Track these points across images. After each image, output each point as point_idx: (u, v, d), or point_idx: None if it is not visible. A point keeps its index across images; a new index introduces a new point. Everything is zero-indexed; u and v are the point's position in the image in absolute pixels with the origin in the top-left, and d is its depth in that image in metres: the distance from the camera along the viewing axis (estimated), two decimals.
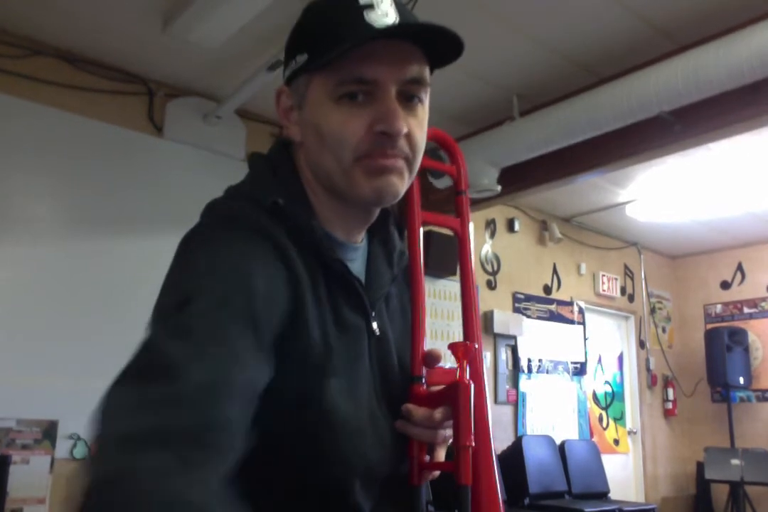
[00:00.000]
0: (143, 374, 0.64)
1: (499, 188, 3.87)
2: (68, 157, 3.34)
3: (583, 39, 3.24)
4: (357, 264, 0.91)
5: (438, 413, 0.83)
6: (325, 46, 0.78)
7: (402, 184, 0.83)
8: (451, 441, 0.84)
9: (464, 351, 0.85)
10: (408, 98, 0.82)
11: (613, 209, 5.68)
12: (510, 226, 5.51)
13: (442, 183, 4.09)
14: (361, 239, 0.92)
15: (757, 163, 4.64)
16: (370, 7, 0.79)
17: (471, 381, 0.81)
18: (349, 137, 0.79)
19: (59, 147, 3.32)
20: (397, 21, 0.80)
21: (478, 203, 4.24)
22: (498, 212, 5.38)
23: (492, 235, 5.38)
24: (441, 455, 0.93)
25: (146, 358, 0.66)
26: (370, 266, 0.93)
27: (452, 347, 0.86)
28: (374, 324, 0.89)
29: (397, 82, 0.80)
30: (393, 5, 0.81)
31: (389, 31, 0.78)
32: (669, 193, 5.26)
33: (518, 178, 3.97)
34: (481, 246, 5.27)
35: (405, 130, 0.80)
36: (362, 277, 0.91)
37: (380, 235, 0.95)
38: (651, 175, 4.88)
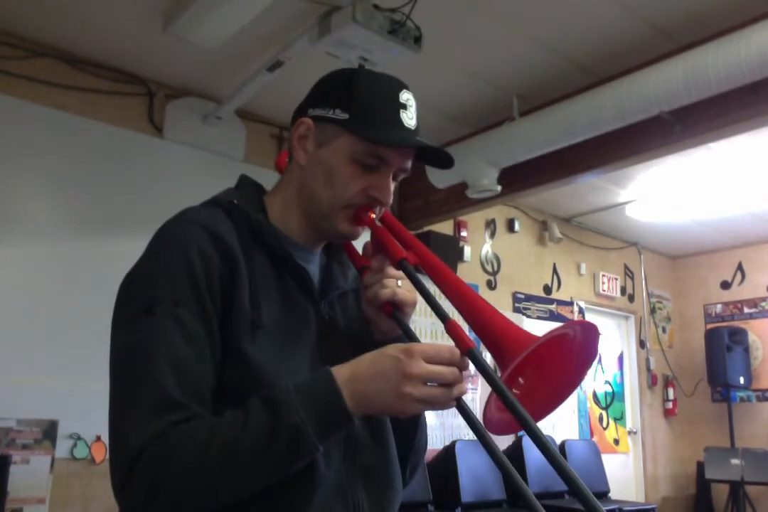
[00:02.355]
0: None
1: (499, 188, 3.87)
2: (68, 158, 3.34)
3: (582, 39, 3.24)
4: (313, 267, 1.10)
5: (366, 247, 1.08)
6: (367, 122, 1.01)
7: (361, 231, 1.08)
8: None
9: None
10: (395, 177, 1.07)
11: (613, 209, 5.68)
12: (510, 226, 5.51)
13: (442, 183, 4.10)
14: (317, 249, 1.13)
15: (757, 163, 4.63)
16: (404, 107, 1.04)
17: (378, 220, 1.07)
18: (350, 190, 1.03)
19: (59, 148, 3.32)
20: (415, 123, 1.05)
21: (478, 203, 4.24)
22: (498, 212, 5.38)
23: (492, 235, 5.38)
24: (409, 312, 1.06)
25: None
26: (325, 270, 1.13)
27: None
28: (323, 310, 1.06)
29: (397, 167, 1.05)
30: (415, 109, 1.07)
31: (418, 146, 1.04)
32: (669, 193, 5.26)
33: (518, 178, 3.97)
34: (481, 246, 5.27)
35: (390, 202, 1.07)
36: (317, 277, 1.10)
37: (337, 258, 1.16)
38: (651, 175, 4.88)
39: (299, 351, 1.00)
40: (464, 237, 5.08)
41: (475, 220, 5.19)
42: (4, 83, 3.21)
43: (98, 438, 3.17)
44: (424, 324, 4.64)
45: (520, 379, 0.93)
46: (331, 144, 1.03)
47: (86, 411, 3.13)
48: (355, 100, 1.02)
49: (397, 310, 1.02)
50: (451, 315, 0.94)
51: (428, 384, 0.85)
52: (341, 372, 0.88)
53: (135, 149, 3.56)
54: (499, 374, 0.86)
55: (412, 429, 1.12)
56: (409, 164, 1.07)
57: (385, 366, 0.86)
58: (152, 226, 1.07)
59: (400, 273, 1.04)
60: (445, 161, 1.08)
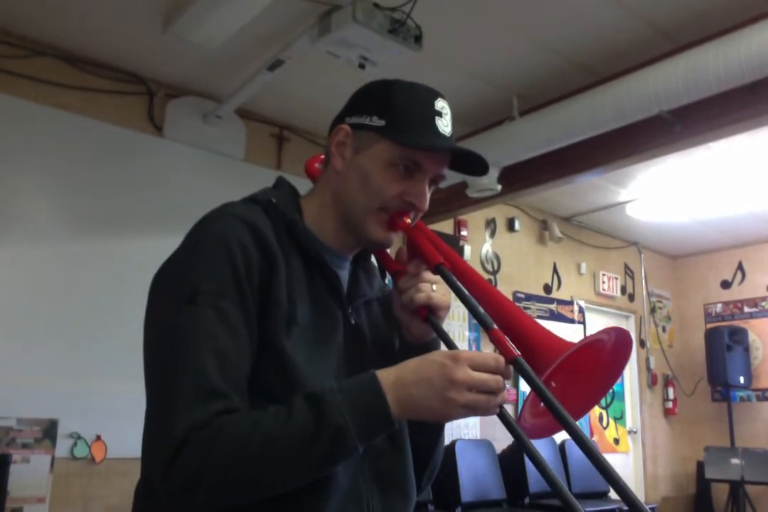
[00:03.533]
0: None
1: (499, 187, 3.87)
2: (68, 157, 3.34)
3: (583, 39, 3.24)
4: (344, 273, 1.11)
5: (401, 252, 1.09)
6: (403, 128, 1.03)
7: (395, 239, 1.09)
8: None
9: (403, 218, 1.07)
10: (431, 183, 1.08)
11: (614, 208, 5.68)
12: (510, 226, 5.51)
13: (442, 182, 4.09)
14: (349, 256, 1.13)
15: (757, 163, 4.63)
16: (440, 114, 1.05)
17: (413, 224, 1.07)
18: (386, 193, 1.03)
19: (59, 147, 3.32)
20: (450, 130, 1.07)
21: (478, 203, 4.24)
22: (498, 211, 5.38)
23: (492, 235, 5.38)
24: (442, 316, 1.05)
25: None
26: (353, 277, 1.13)
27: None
28: (350, 315, 1.07)
29: (433, 173, 1.06)
30: (450, 117, 1.08)
31: (454, 149, 1.06)
32: (669, 193, 5.26)
33: (518, 178, 3.97)
34: (481, 245, 5.27)
35: (426, 208, 1.07)
36: (346, 283, 1.11)
37: (363, 264, 1.17)
38: (651, 175, 4.88)
39: (328, 352, 1.01)
40: (464, 236, 5.08)
41: (475, 219, 5.19)
42: (5, 82, 3.21)
43: (98, 438, 3.17)
44: None
45: (553, 383, 0.95)
46: (368, 150, 1.05)
47: (86, 411, 3.13)
48: (392, 108, 1.04)
49: (431, 314, 1.02)
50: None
51: (472, 391, 0.86)
52: (386, 375, 0.88)
53: (135, 148, 3.56)
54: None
55: (434, 438, 1.14)
56: (445, 170, 1.08)
57: (431, 372, 0.87)
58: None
59: (435, 277, 1.04)
60: (478, 168, 1.10)
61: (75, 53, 3.43)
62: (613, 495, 5.16)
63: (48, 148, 3.29)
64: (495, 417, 0.89)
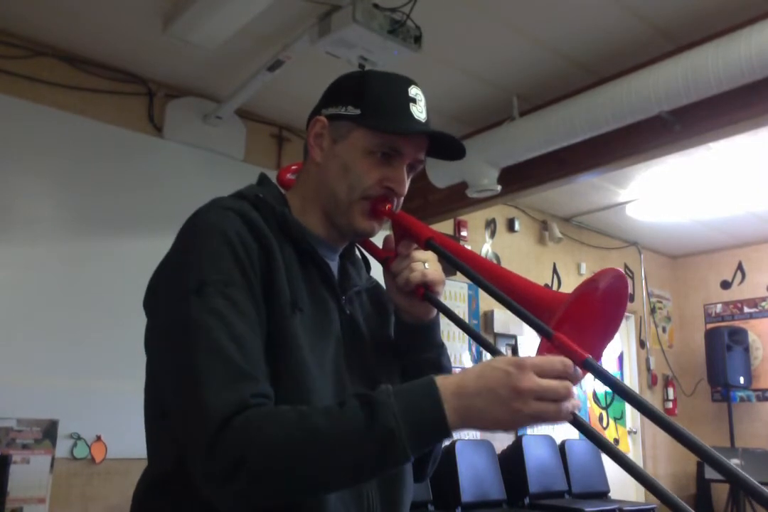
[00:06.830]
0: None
1: (499, 188, 3.87)
2: (68, 158, 3.34)
3: (583, 39, 3.24)
4: (333, 264, 1.13)
5: (388, 239, 1.12)
6: (378, 116, 1.05)
7: (378, 228, 1.11)
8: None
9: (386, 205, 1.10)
10: (410, 169, 1.10)
11: (613, 209, 5.68)
12: (510, 226, 5.51)
13: (442, 182, 4.09)
14: (338, 247, 1.14)
15: (757, 163, 4.63)
16: (414, 101, 1.08)
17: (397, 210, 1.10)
18: (365, 181, 1.05)
19: (59, 147, 3.32)
20: (425, 116, 1.09)
21: (478, 203, 4.24)
22: (498, 212, 5.38)
23: (492, 235, 5.38)
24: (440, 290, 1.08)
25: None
26: (342, 269, 1.15)
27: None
28: (345, 306, 1.09)
29: (411, 158, 1.08)
30: (425, 104, 1.11)
31: (428, 132, 1.07)
32: (669, 193, 5.26)
33: (518, 178, 3.97)
34: (481, 245, 5.27)
35: (405, 193, 1.09)
36: (336, 275, 1.12)
37: (349, 258, 1.19)
38: (651, 175, 4.88)
39: (327, 341, 1.02)
40: (464, 236, 5.08)
41: (475, 219, 5.19)
42: (5, 83, 3.21)
43: (98, 438, 3.17)
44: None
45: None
46: (346, 139, 1.07)
47: (86, 411, 3.13)
48: (366, 97, 1.06)
49: (428, 291, 1.05)
50: (476, 292, 0.97)
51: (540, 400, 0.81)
52: (447, 383, 0.84)
53: (135, 149, 3.56)
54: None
55: None
56: (422, 155, 1.10)
57: (495, 381, 0.82)
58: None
59: (426, 255, 1.07)
60: (456, 151, 1.11)
61: (75, 53, 3.43)
62: (613, 495, 5.17)
63: (48, 148, 3.29)
64: None
